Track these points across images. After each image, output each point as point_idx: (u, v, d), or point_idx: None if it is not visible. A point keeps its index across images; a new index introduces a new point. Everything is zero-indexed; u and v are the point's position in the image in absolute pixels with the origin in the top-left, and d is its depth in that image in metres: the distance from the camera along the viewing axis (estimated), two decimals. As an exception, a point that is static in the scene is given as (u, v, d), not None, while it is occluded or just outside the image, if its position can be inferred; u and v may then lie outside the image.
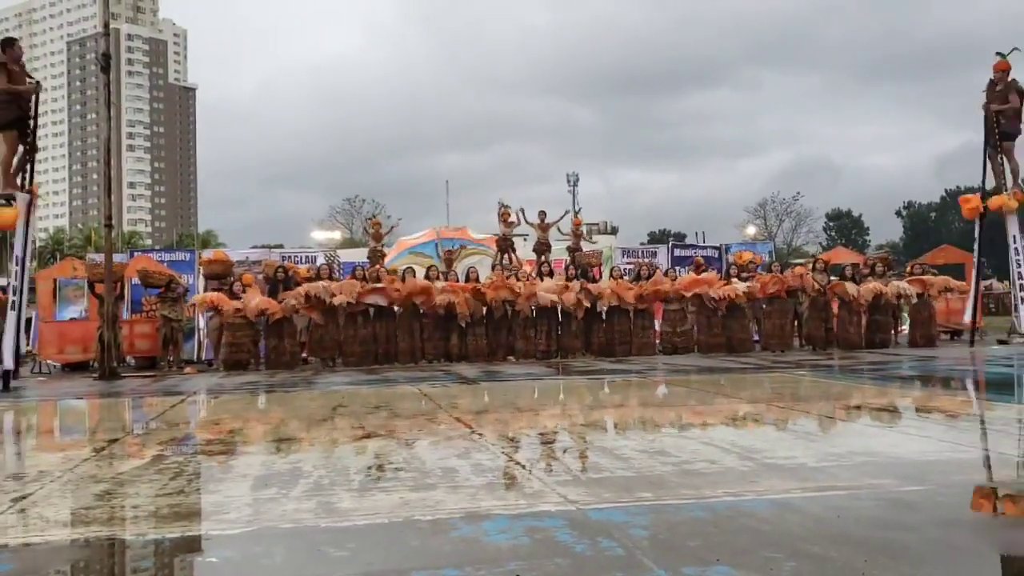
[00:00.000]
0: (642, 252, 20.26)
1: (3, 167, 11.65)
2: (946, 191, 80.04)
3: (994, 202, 13.67)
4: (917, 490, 3.99)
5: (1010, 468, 4.57)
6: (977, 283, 13.92)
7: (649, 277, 15.19)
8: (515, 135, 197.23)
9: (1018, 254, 13.66)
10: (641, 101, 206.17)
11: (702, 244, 24.93)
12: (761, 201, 71.43)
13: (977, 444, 5.23)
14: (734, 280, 14.98)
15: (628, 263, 18.44)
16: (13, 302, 11.27)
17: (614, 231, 47.34)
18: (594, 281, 15.13)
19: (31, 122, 11.63)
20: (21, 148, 11.70)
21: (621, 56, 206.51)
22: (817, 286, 14.73)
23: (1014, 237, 13.67)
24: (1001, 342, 16.18)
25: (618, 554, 3.02)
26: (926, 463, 4.71)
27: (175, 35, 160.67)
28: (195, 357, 15.73)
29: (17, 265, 11.32)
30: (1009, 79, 13.28)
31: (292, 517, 3.66)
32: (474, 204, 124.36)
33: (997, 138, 13.41)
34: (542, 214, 17.47)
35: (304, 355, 14.45)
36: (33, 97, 11.68)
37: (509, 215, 17.31)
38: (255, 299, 13.52)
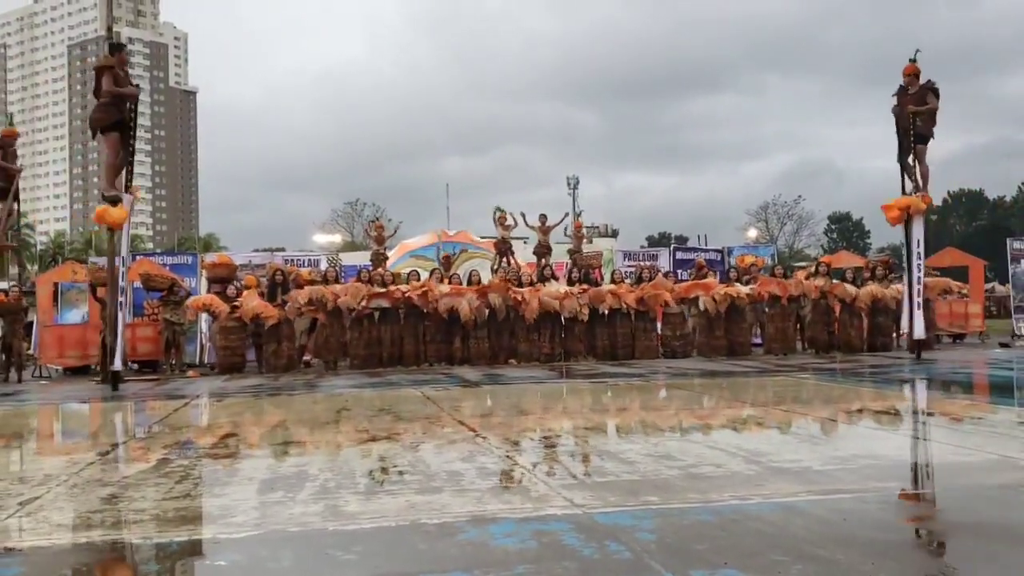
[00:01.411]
0: (643, 255, 20.26)
1: (107, 169, 11.89)
2: (949, 193, 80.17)
3: (901, 202, 13.40)
4: (920, 493, 3.99)
5: (1013, 471, 4.57)
6: (910, 288, 13.74)
7: (650, 279, 15.19)
8: (518, 139, 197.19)
9: (919, 258, 13.46)
10: (644, 105, 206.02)
11: (704, 247, 24.93)
12: (763, 204, 71.45)
13: (980, 447, 5.23)
14: (736, 284, 14.98)
15: (629, 266, 18.43)
16: (121, 303, 11.38)
17: (614, 234, 47.39)
18: (596, 284, 15.13)
19: (132, 126, 11.65)
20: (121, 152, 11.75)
21: (625, 61, 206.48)
22: (818, 290, 14.73)
23: (918, 241, 13.49)
24: (1003, 345, 16.20)
25: (626, 558, 3.03)
26: (931, 466, 4.72)
27: (176, 38, 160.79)
28: (197, 360, 15.73)
29: (124, 266, 11.47)
30: (923, 82, 13.20)
31: (299, 520, 3.66)
32: (476, 207, 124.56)
33: (914, 139, 13.27)
34: (543, 217, 17.47)
35: (306, 358, 14.46)
36: (132, 101, 11.73)
37: (506, 218, 17.33)
38: (252, 302, 13.52)
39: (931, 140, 13.32)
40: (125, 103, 11.57)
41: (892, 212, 13.56)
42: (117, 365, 11.23)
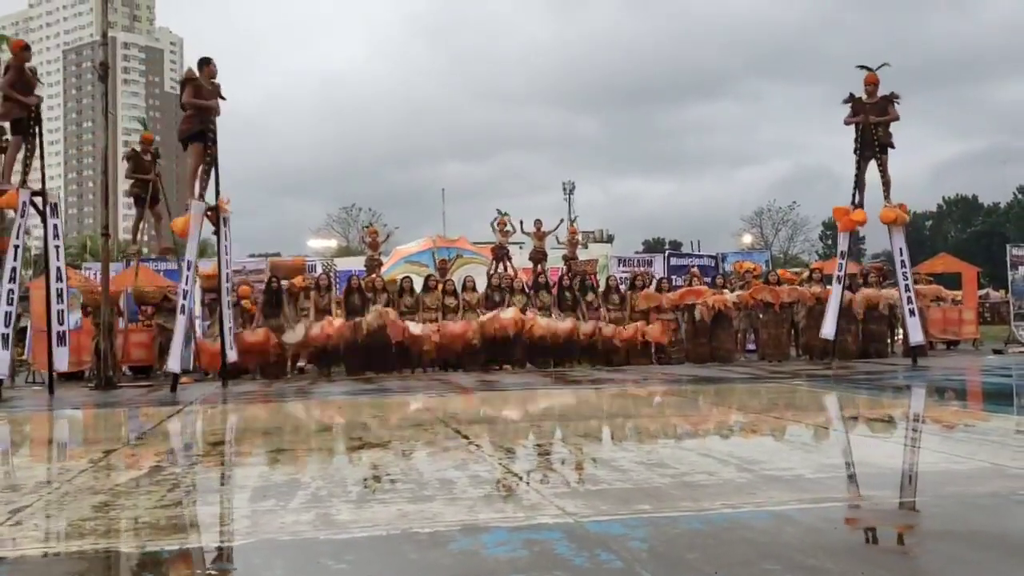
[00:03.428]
0: (638, 261, 20.29)
1: (189, 177, 12.12)
2: (943, 199, 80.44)
3: (888, 214, 13.46)
4: (914, 501, 4.00)
5: (1005, 479, 4.58)
6: (841, 296, 13.80)
7: (644, 287, 15.23)
8: (517, 145, 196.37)
9: (904, 266, 13.52)
10: (643, 112, 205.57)
11: (698, 253, 24.96)
12: (757, 210, 71.50)
13: (973, 455, 5.24)
14: (724, 292, 15.01)
15: (623, 271, 18.47)
16: (183, 306, 11.45)
17: (610, 239, 47.46)
18: (592, 288, 15.15)
19: (212, 137, 11.92)
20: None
21: (624, 68, 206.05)
22: (813, 297, 14.78)
23: (900, 250, 13.56)
24: (997, 352, 16.24)
25: (617, 567, 3.03)
26: (923, 474, 4.73)
27: (171, 43, 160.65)
28: (191, 367, 15.68)
29: (189, 270, 11.61)
30: (886, 92, 13.24)
31: (290, 529, 3.65)
32: (474, 213, 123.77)
33: (877, 150, 13.29)
34: (538, 223, 17.50)
35: (300, 363, 14.42)
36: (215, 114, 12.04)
37: (506, 223, 17.34)
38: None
39: (891, 150, 13.39)
40: (206, 115, 11.77)
41: (859, 216, 13.62)
42: (176, 368, 11.42)
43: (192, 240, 11.80)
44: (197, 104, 11.81)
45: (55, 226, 11.77)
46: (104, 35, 13.98)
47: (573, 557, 3.14)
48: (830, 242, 79.56)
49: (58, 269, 11.65)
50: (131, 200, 15.35)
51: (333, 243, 47.83)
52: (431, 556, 3.24)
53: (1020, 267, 20.47)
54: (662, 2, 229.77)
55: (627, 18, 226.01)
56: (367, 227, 21.66)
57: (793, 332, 15.38)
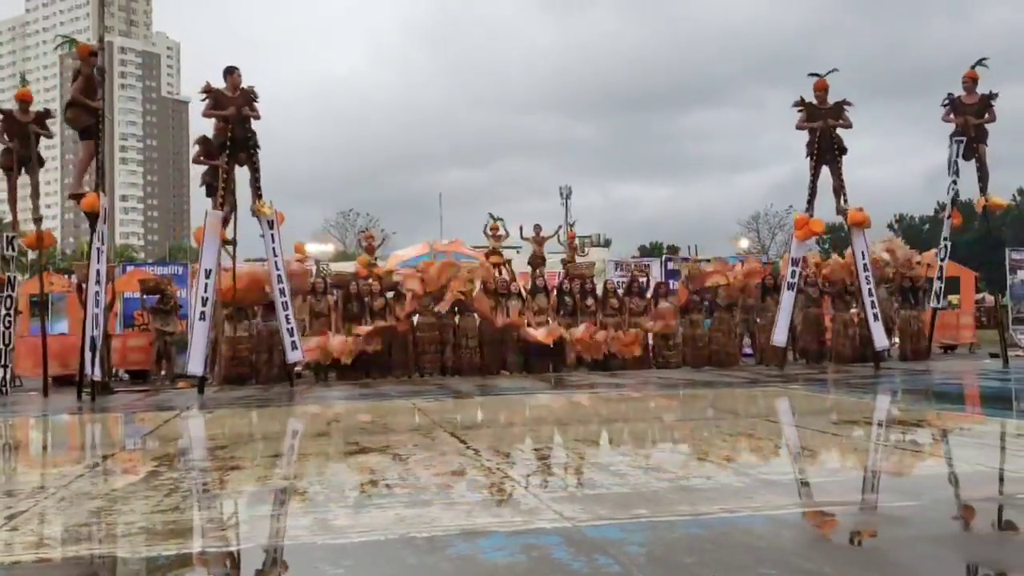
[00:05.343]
0: (635, 265, 20.29)
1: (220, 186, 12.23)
2: (938, 203, 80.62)
3: (856, 216, 13.40)
4: (910, 505, 4.00)
5: (1003, 483, 4.58)
6: (794, 301, 13.74)
7: (641, 291, 15.22)
8: (517, 151, 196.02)
9: (866, 270, 13.49)
10: (642, 118, 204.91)
11: (695, 258, 24.90)
12: (754, 214, 71.50)
13: (970, 460, 5.25)
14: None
15: (620, 275, 18.47)
16: (202, 312, 11.55)
17: (607, 244, 47.46)
18: (591, 292, 15.14)
19: (228, 146, 12.01)
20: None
21: (624, 74, 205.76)
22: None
23: (862, 253, 13.53)
24: (993, 356, 16.25)
25: (615, 571, 3.03)
26: (919, 478, 4.73)
27: (168, 48, 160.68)
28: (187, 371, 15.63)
29: (208, 278, 11.69)
30: (838, 100, 13.28)
31: (288, 534, 3.65)
32: (473, 218, 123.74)
33: (836, 153, 13.33)
34: (537, 227, 17.53)
35: (296, 369, 14.38)
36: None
37: (498, 228, 17.37)
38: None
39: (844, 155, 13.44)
40: (226, 123, 11.94)
41: (817, 226, 13.65)
42: (198, 371, 11.57)
43: (209, 248, 11.81)
44: (209, 115, 12.06)
45: (102, 231, 11.77)
46: (101, 39, 14.01)
47: (571, 562, 3.14)
48: (827, 246, 79.69)
49: (98, 272, 11.57)
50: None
51: (330, 247, 47.77)
52: (429, 560, 3.24)
53: (1019, 271, 20.43)
54: (662, 8, 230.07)
55: (627, 24, 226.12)
56: (363, 232, 21.64)
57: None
